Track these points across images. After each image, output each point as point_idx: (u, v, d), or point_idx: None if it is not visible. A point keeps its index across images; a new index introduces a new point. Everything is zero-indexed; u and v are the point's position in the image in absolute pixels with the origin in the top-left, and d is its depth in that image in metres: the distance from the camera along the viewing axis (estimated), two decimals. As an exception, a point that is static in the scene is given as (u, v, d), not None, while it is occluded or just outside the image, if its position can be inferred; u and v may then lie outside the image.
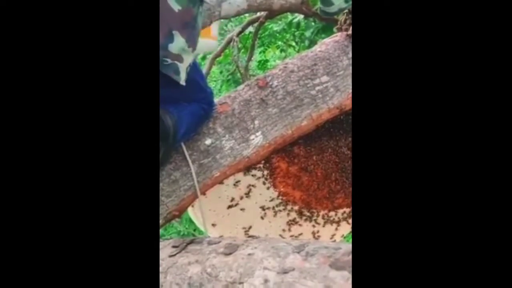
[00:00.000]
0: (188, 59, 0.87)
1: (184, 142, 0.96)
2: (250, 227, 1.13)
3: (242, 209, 1.10)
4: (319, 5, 0.98)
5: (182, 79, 0.87)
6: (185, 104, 0.94)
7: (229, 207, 1.09)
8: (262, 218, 1.12)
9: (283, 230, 1.15)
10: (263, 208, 1.11)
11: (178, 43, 0.82)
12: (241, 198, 1.09)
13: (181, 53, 0.84)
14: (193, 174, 0.95)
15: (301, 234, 1.16)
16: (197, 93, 0.97)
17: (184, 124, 0.92)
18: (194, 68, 0.93)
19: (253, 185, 1.08)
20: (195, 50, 0.89)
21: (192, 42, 0.86)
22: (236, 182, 1.07)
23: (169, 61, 0.83)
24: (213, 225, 1.10)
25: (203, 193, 1.00)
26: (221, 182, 1.03)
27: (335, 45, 1.03)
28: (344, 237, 1.22)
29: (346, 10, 1.04)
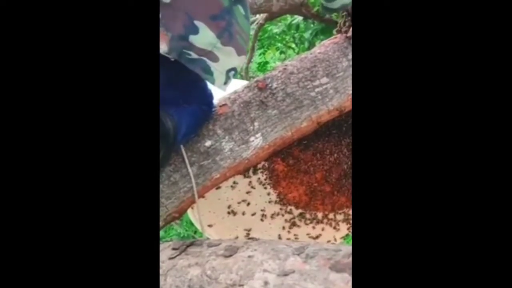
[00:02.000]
0: (228, 62, 0.81)
1: (183, 144, 0.96)
2: (250, 229, 1.13)
3: (241, 211, 1.10)
4: (321, 1, 0.98)
5: (218, 81, 0.81)
6: (185, 105, 0.92)
7: (229, 209, 1.09)
8: (261, 220, 1.12)
9: (283, 229, 1.14)
10: (262, 210, 1.11)
11: (204, 36, 0.77)
12: (241, 200, 1.09)
13: (213, 51, 0.78)
14: (191, 176, 0.94)
15: (301, 235, 1.15)
16: (197, 94, 0.95)
17: (184, 126, 0.90)
18: None
19: (252, 187, 1.08)
20: (242, 54, 0.83)
21: (228, 40, 0.79)
22: (236, 184, 1.07)
23: (194, 55, 0.77)
24: (209, 225, 1.09)
25: (202, 196, 1.00)
26: (218, 187, 1.03)
27: (335, 47, 1.03)
28: (344, 239, 1.22)
29: (345, 13, 1.04)
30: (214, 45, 0.78)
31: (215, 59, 0.79)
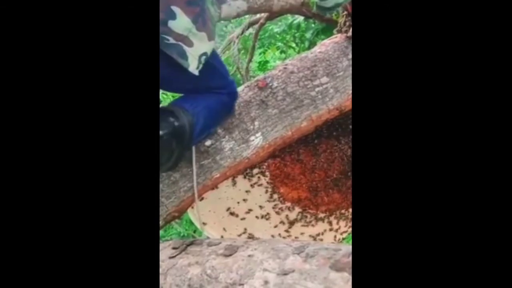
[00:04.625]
0: (201, 46, 0.82)
1: (201, 141, 0.94)
2: (250, 229, 1.13)
3: (241, 210, 1.10)
4: (315, 0, 0.98)
5: (192, 66, 0.82)
6: (201, 98, 0.90)
7: (229, 208, 1.09)
8: (262, 219, 1.12)
9: (283, 227, 1.14)
10: (263, 209, 1.11)
11: (181, 21, 0.78)
12: (241, 199, 1.09)
13: (189, 36, 0.80)
14: (194, 176, 0.94)
15: (302, 233, 1.16)
16: (216, 80, 0.93)
17: (201, 121, 0.89)
18: (212, 54, 0.88)
19: (253, 186, 1.08)
20: (212, 39, 0.85)
21: (202, 26, 0.81)
22: (236, 183, 1.07)
23: (171, 40, 0.78)
24: (204, 223, 1.09)
25: (201, 195, 1.00)
26: (216, 187, 1.03)
27: (335, 46, 1.03)
28: (344, 238, 1.22)
29: (345, 12, 1.04)
30: (189, 30, 0.80)
31: (190, 44, 0.81)
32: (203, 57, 0.84)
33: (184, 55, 0.80)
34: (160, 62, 0.68)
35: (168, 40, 0.78)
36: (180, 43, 0.79)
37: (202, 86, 0.90)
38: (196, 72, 0.83)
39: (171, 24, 0.77)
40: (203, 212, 1.04)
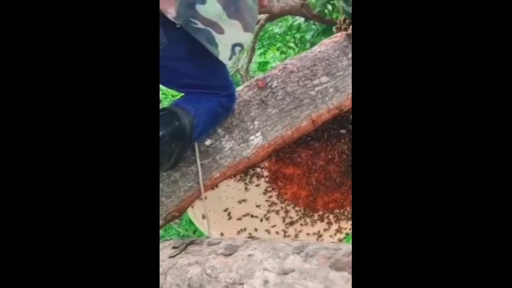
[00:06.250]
0: (234, 36, 0.81)
1: (198, 142, 0.95)
2: (249, 228, 1.13)
3: (241, 210, 1.10)
4: None
5: (222, 55, 0.81)
6: (203, 100, 0.91)
7: (229, 207, 1.09)
8: (261, 219, 1.12)
9: (283, 231, 1.14)
10: (262, 208, 1.11)
11: (211, 7, 0.77)
12: (240, 199, 1.09)
13: (218, 22, 0.78)
14: (200, 174, 0.94)
15: (300, 233, 1.15)
16: (217, 78, 0.92)
17: (201, 123, 0.89)
18: None
19: (252, 185, 1.08)
20: (249, 31, 0.83)
21: (234, 13, 0.79)
22: (236, 182, 1.07)
23: (200, 24, 0.77)
24: (203, 217, 1.09)
25: (200, 195, 1.00)
26: (216, 186, 1.03)
27: (335, 46, 1.03)
28: (344, 238, 1.22)
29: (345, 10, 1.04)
30: (220, 16, 0.78)
31: (220, 31, 0.79)
32: (237, 48, 0.83)
33: (213, 41, 0.79)
34: (165, 52, 0.68)
35: (195, 24, 0.77)
36: (209, 28, 0.78)
37: (203, 82, 0.90)
38: (227, 62, 0.83)
39: (199, 8, 0.77)
40: (203, 211, 1.04)
